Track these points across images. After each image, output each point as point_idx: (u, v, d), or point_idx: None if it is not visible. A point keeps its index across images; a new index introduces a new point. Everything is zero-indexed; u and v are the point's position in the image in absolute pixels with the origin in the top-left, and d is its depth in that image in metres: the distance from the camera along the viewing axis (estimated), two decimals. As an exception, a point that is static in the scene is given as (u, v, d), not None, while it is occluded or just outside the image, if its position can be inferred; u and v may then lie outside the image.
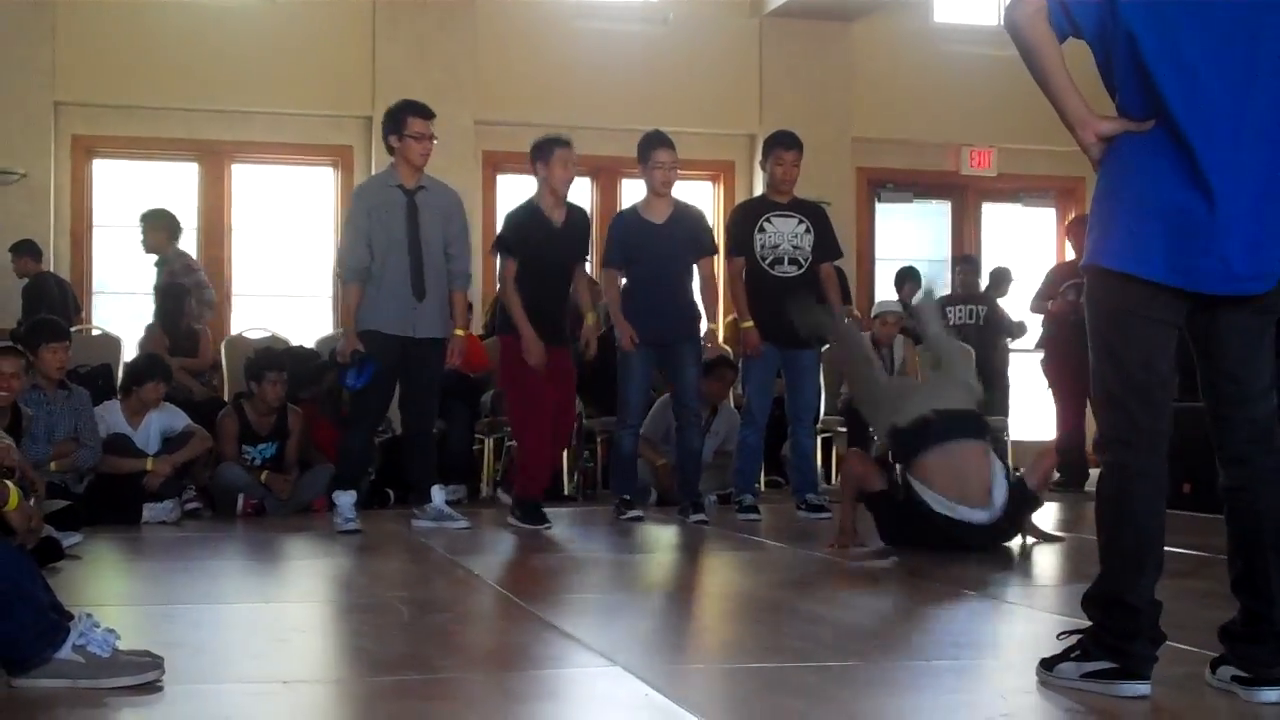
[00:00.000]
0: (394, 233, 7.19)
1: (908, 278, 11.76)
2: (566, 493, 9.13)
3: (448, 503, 7.62)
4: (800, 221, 7.98)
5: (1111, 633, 3.24)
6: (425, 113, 7.30)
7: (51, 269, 10.98)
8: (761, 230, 7.92)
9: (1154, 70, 3.13)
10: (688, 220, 7.85)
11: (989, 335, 11.21)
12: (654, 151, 7.74)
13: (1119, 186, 3.22)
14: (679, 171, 7.91)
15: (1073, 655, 3.30)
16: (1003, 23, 3.24)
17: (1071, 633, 3.38)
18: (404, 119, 7.25)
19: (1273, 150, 3.13)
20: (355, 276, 7.24)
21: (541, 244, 7.32)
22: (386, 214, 7.20)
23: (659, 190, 7.77)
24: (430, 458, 7.55)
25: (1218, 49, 3.12)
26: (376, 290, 7.19)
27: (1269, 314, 3.24)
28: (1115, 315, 3.23)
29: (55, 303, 9.85)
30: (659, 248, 7.65)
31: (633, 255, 7.72)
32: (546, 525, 7.20)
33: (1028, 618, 4.72)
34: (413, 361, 7.25)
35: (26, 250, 10.44)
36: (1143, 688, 3.21)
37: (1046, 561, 6.30)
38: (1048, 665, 3.35)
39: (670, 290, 7.71)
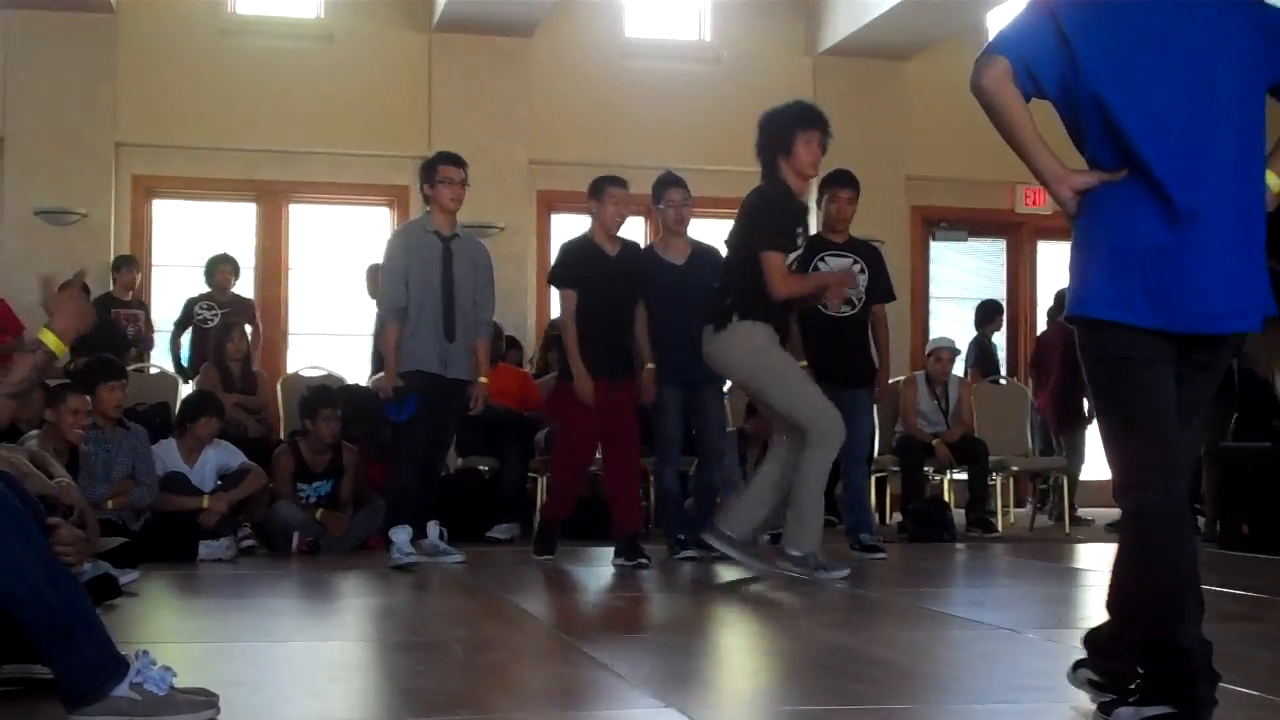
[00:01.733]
0: (430, 277, 7.40)
1: (995, 312, 11.79)
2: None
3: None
4: (855, 261, 7.97)
5: (1169, 678, 3.18)
6: (456, 160, 7.55)
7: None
8: (816, 269, 7.91)
9: (1122, 123, 3.20)
10: (709, 261, 7.85)
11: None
12: (666, 190, 7.83)
13: (1097, 237, 3.28)
14: (693, 209, 8.03)
15: (1131, 700, 3.24)
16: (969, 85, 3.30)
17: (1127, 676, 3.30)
18: (435, 166, 7.52)
19: (1241, 190, 3.22)
20: (394, 316, 7.43)
21: (597, 276, 7.41)
22: (423, 258, 7.38)
23: (674, 229, 7.82)
24: (434, 494, 7.72)
25: (1180, 98, 3.20)
26: (412, 331, 7.38)
27: (1229, 353, 3.34)
28: (1108, 362, 3.27)
29: (104, 342, 9.96)
30: (681, 291, 7.62)
31: (654, 295, 7.70)
32: (548, 557, 7.37)
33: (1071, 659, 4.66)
34: (438, 401, 7.40)
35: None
36: None
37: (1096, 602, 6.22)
38: (1106, 710, 3.30)
39: (694, 332, 7.70)
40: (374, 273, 10.91)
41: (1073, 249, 3.35)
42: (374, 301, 10.66)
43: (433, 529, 7.58)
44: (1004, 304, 12.87)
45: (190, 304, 10.70)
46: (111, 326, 10.59)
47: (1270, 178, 3.32)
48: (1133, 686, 3.27)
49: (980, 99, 3.28)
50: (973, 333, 12.09)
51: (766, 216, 6.74)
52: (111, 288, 10.80)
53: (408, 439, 7.43)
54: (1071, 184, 3.29)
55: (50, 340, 3.39)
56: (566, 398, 7.46)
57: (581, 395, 7.30)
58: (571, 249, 7.63)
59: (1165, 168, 3.16)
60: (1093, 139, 3.29)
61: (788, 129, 6.84)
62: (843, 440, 6.71)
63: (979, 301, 12.47)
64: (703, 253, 7.91)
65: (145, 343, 10.73)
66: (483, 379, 7.68)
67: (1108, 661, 3.30)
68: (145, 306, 10.87)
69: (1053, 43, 3.27)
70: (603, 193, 7.50)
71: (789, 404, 6.64)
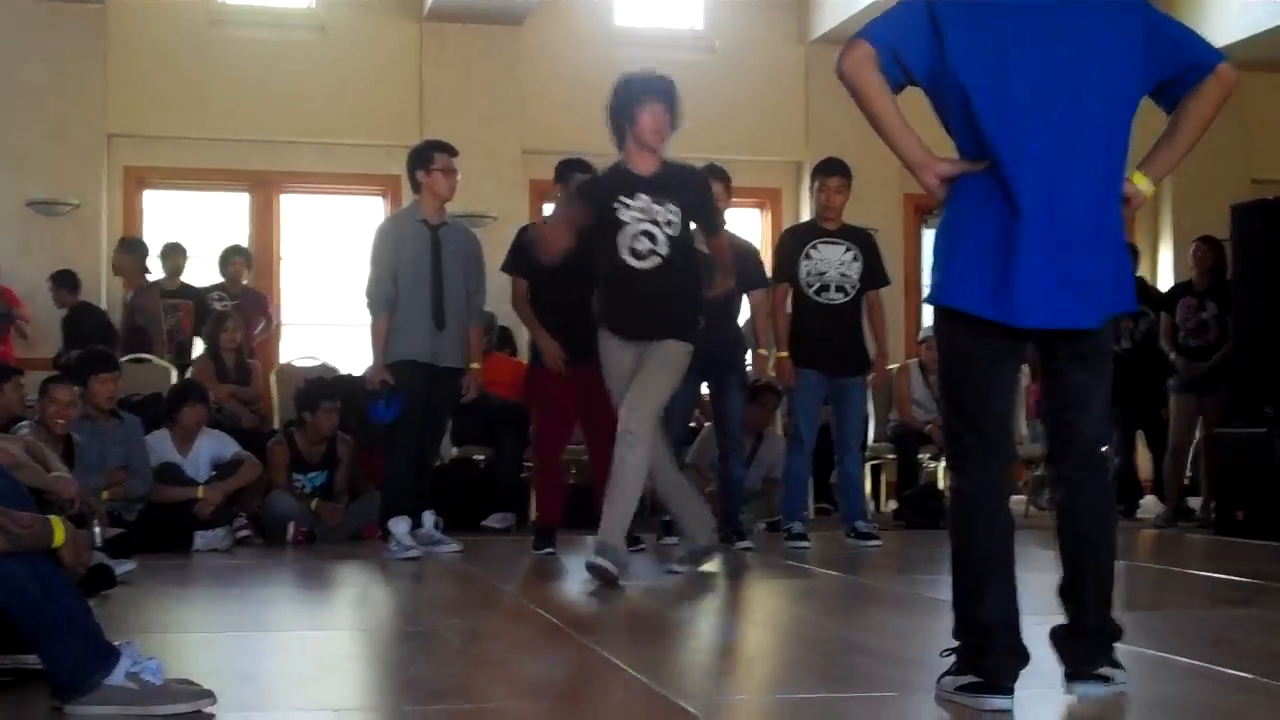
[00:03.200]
0: (418, 265, 7.40)
1: None
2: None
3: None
4: (848, 249, 7.96)
5: (968, 648, 3.36)
6: (451, 150, 7.55)
7: (104, 299, 11.10)
8: (808, 257, 7.91)
9: (980, 115, 3.26)
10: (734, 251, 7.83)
11: None
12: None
13: (953, 226, 3.36)
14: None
15: (951, 669, 3.40)
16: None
17: (952, 650, 3.43)
18: (431, 154, 7.51)
19: (1094, 190, 3.26)
20: (382, 307, 7.41)
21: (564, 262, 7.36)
22: (411, 247, 7.39)
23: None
24: (428, 482, 7.73)
25: (1041, 96, 3.24)
26: (401, 320, 7.38)
27: (1103, 344, 3.42)
28: (956, 354, 3.39)
29: (93, 334, 9.98)
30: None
31: None
32: (549, 551, 7.32)
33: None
34: (429, 389, 7.37)
35: (64, 282, 10.56)
36: (1003, 701, 3.28)
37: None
38: (940, 678, 3.44)
39: (715, 320, 7.69)
40: None
41: (935, 236, 3.42)
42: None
43: (428, 518, 7.58)
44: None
45: (202, 293, 10.67)
46: (99, 316, 10.58)
47: (1141, 181, 3.36)
48: (949, 655, 3.43)
49: (843, 82, 3.32)
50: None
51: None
52: (161, 275, 10.81)
53: (399, 431, 7.42)
54: (936, 171, 3.36)
55: (58, 534, 3.39)
56: (538, 383, 7.46)
57: (551, 362, 7.28)
58: (523, 238, 7.59)
59: (1015, 164, 3.22)
60: (957, 130, 3.36)
61: (632, 98, 6.46)
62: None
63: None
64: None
65: (183, 335, 10.56)
66: (475, 365, 7.67)
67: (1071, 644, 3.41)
68: (196, 294, 10.68)
69: (924, 31, 3.30)
70: (569, 178, 7.39)
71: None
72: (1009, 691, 3.28)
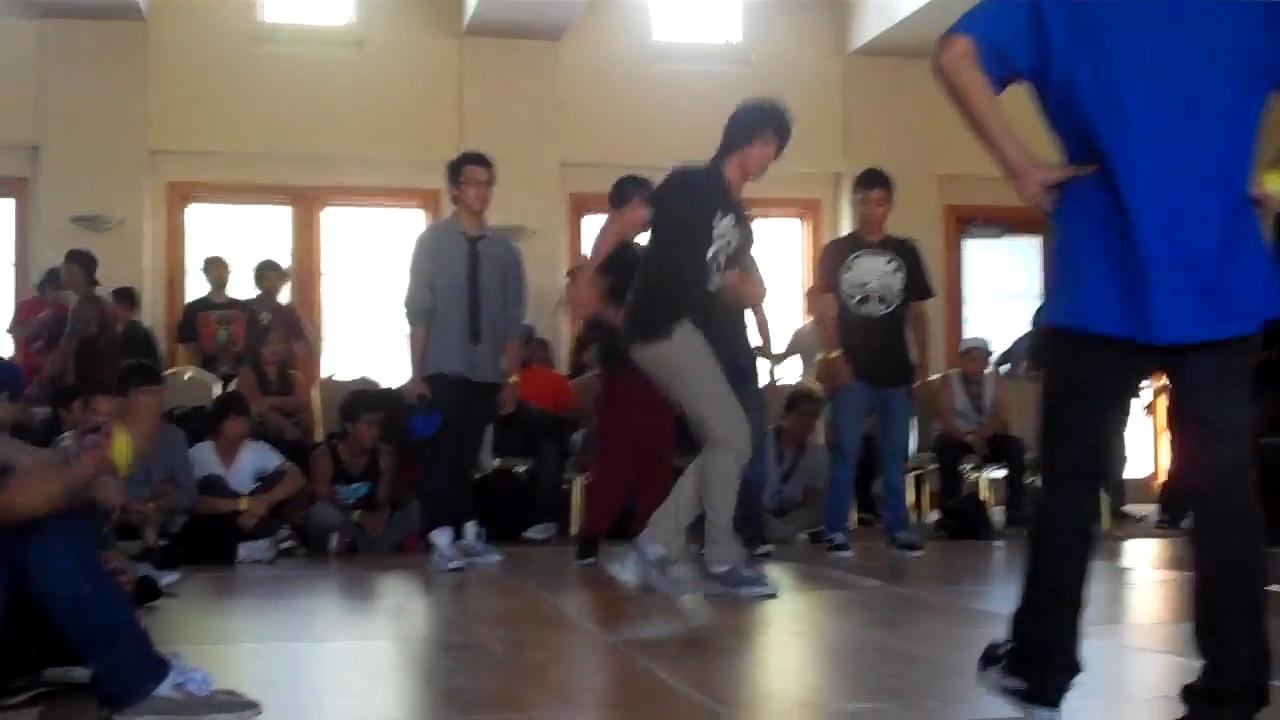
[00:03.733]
0: (455, 278, 7.41)
1: None
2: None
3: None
4: (890, 260, 7.94)
5: (1024, 659, 3.23)
6: (481, 160, 7.58)
7: (147, 314, 11.19)
8: (849, 268, 7.91)
9: (1091, 116, 3.03)
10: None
11: None
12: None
13: (1067, 239, 3.12)
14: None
15: (1000, 664, 3.29)
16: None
17: (1002, 645, 3.32)
18: (461, 167, 7.56)
19: (1224, 195, 3.00)
20: (420, 319, 7.42)
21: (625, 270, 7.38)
22: (449, 259, 7.40)
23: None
24: (470, 495, 7.75)
25: (1157, 104, 3.00)
26: (438, 333, 7.38)
27: (1243, 356, 3.07)
28: (1065, 377, 3.16)
29: (147, 350, 10.11)
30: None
31: None
32: (590, 561, 7.31)
33: (1132, 656, 4.64)
34: (469, 403, 7.39)
35: (124, 297, 10.66)
36: (1049, 714, 3.19)
37: (1145, 598, 6.20)
38: (982, 664, 3.34)
39: (730, 333, 7.71)
40: None
41: (1053, 250, 3.22)
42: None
43: (470, 529, 7.59)
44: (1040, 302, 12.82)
45: (251, 305, 10.73)
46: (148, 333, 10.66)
47: (1273, 181, 3.07)
48: (1004, 651, 3.29)
49: (940, 81, 3.10)
50: (1010, 330, 12.05)
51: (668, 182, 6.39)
52: (206, 291, 10.88)
53: (436, 443, 7.43)
54: (1037, 179, 3.11)
55: (121, 448, 3.42)
56: (614, 393, 7.35)
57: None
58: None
59: (1127, 166, 2.99)
60: (1063, 130, 3.13)
61: (757, 126, 6.49)
62: (745, 448, 6.04)
63: (1037, 302, 12.39)
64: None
65: (239, 348, 10.51)
66: (513, 379, 7.68)
67: (1210, 709, 3.05)
68: (246, 305, 10.68)
69: (1027, 22, 3.07)
70: (628, 199, 7.42)
71: (694, 404, 6.06)
72: (1055, 705, 3.20)
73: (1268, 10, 3.05)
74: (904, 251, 8.06)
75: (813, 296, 8.39)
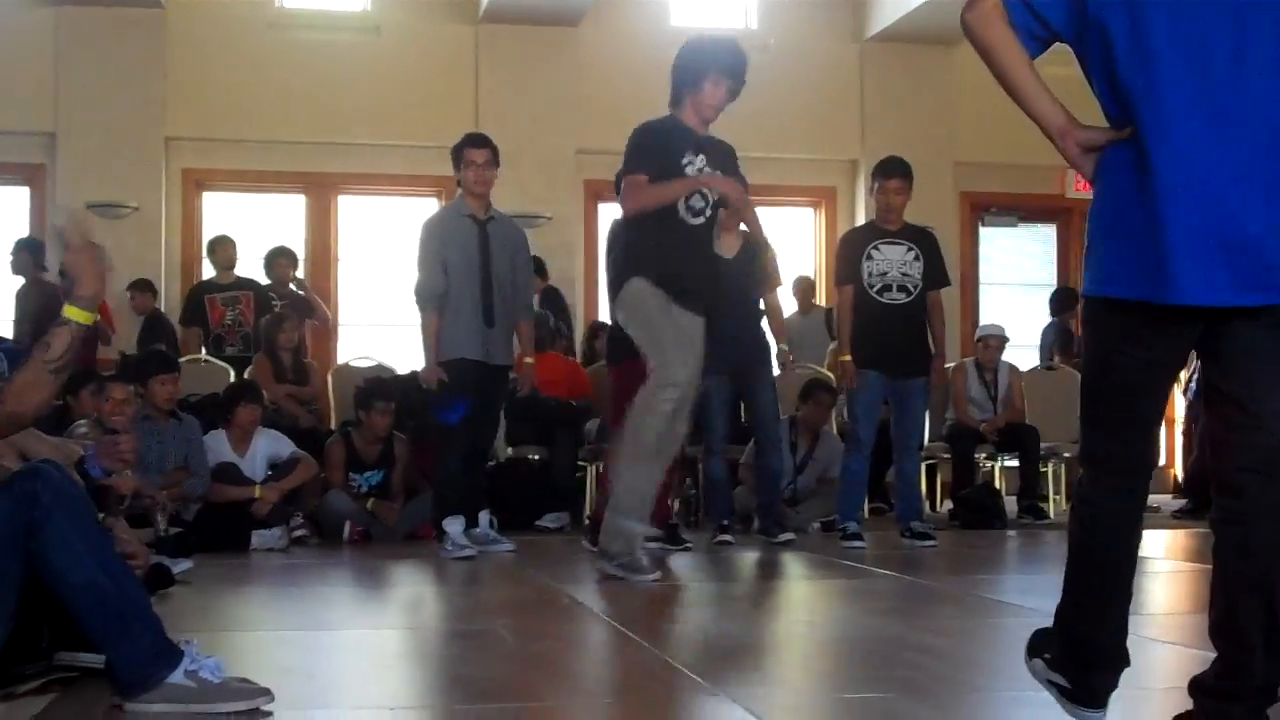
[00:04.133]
0: (468, 261, 7.40)
1: (1074, 298, 11.77)
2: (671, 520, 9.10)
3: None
4: (910, 249, 7.91)
5: (1067, 658, 3.10)
6: (479, 141, 7.60)
7: (162, 301, 11.22)
8: (869, 258, 7.89)
9: (1122, 72, 2.82)
10: (754, 253, 7.97)
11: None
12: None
13: (1101, 206, 2.91)
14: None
15: (1046, 656, 3.15)
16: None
17: (1048, 634, 3.18)
18: (462, 151, 7.55)
19: (1269, 153, 2.76)
20: (433, 304, 7.42)
21: None
22: (459, 243, 7.39)
23: (726, 226, 7.79)
24: (481, 480, 7.72)
25: (1195, 60, 2.77)
26: (451, 318, 7.37)
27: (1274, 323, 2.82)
28: (1102, 350, 2.95)
29: (170, 339, 10.18)
30: (731, 281, 7.64)
31: None
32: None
33: (1143, 647, 4.63)
34: (484, 386, 7.37)
35: (145, 287, 10.72)
36: (1096, 715, 3.08)
37: (1160, 589, 6.19)
38: (1031, 651, 3.19)
39: (742, 321, 7.72)
40: None
41: (1089, 218, 2.98)
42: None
43: (483, 518, 7.59)
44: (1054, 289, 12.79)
45: (260, 285, 10.76)
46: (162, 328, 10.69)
47: None
48: (1048, 641, 3.16)
49: (968, 36, 2.93)
50: (1028, 318, 12.03)
51: (630, 144, 6.36)
52: (213, 273, 10.92)
53: (451, 430, 7.44)
54: (1077, 139, 2.91)
55: (76, 314, 3.39)
56: (621, 383, 7.38)
57: None
58: None
59: (1156, 127, 2.77)
60: (1101, 91, 2.90)
61: (702, 67, 6.44)
62: (685, 383, 6.00)
63: (1053, 290, 12.36)
64: (751, 245, 7.95)
65: (246, 329, 10.54)
66: (529, 360, 7.67)
67: (1221, 703, 2.93)
68: (252, 284, 10.71)
69: None
70: None
71: (645, 349, 6.11)
72: (1103, 706, 3.07)
73: None
74: (923, 240, 8.04)
75: (805, 288, 8.39)
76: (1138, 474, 3.00)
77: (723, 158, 6.45)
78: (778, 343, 8.35)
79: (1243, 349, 2.81)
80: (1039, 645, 3.19)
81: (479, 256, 7.40)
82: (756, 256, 7.99)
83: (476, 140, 7.60)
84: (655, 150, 6.28)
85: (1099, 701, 3.08)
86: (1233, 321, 2.78)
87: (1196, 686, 2.98)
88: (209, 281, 10.89)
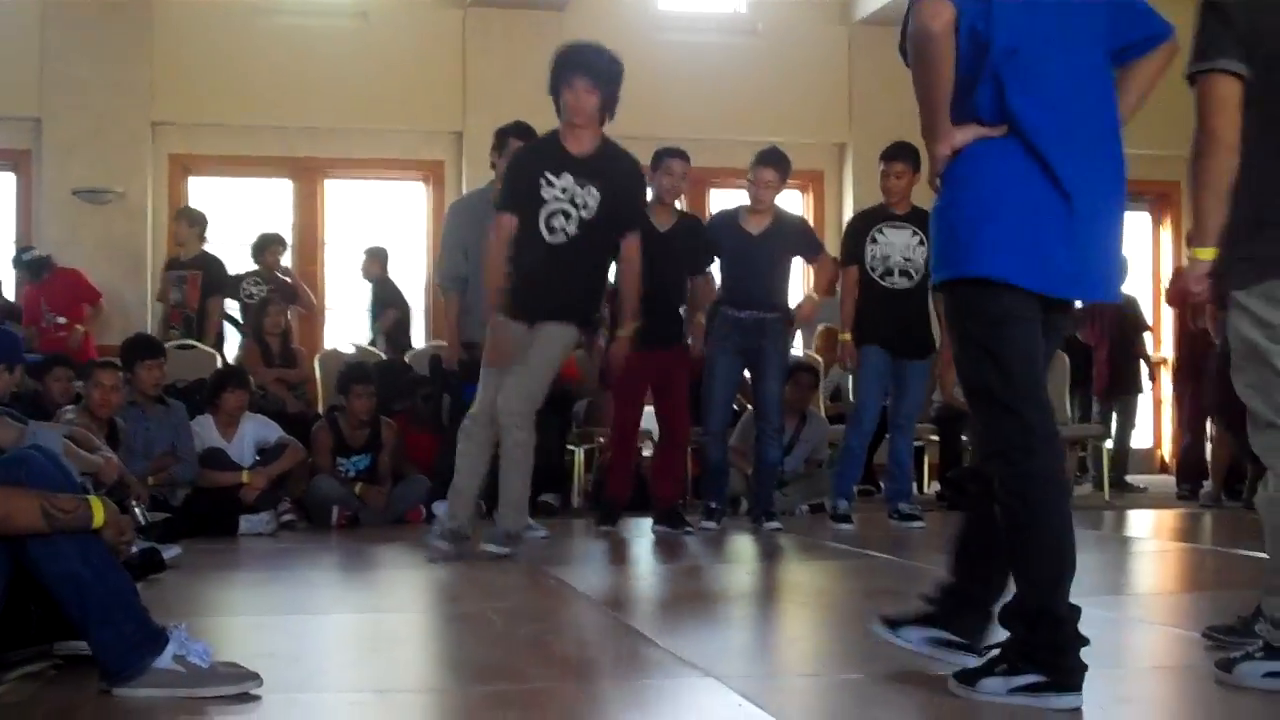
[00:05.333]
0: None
1: None
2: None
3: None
4: (915, 233, 7.88)
5: (1041, 646, 3.18)
6: (527, 134, 7.46)
7: (148, 286, 11.20)
8: (873, 241, 7.89)
9: (1014, 82, 3.21)
10: (788, 230, 7.94)
11: None
12: (756, 169, 7.79)
13: (979, 197, 3.25)
14: (732, 181, 8.03)
15: (998, 670, 3.23)
16: (911, 27, 3.27)
17: (993, 647, 3.31)
18: (507, 139, 7.45)
19: (1108, 162, 3.28)
20: (454, 285, 7.47)
21: (647, 248, 7.38)
22: (484, 226, 7.32)
23: (755, 205, 7.81)
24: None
25: (1055, 70, 3.24)
26: (473, 300, 7.35)
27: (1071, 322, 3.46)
28: (993, 320, 3.23)
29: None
30: (753, 260, 7.67)
31: (726, 262, 7.76)
32: (608, 528, 7.39)
33: (1125, 628, 4.65)
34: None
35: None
36: (1075, 699, 3.15)
37: (1145, 570, 6.21)
38: (968, 680, 3.28)
39: (760, 298, 7.71)
40: (373, 256, 11.10)
41: (948, 209, 3.33)
42: (368, 284, 11.00)
43: None
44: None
45: (238, 279, 10.74)
46: None
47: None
48: (996, 655, 3.27)
49: (920, 44, 3.24)
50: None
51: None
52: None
53: (460, 413, 7.43)
54: (951, 142, 3.28)
55: (97, 509, 3.39)
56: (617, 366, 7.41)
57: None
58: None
59: (1048, 133, 3.19)
60: (984, 94, 3.25)
61: (554, 78, 6.40)
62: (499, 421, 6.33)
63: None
64: (782, 221, 7.93)
65: (189, 310, 10.35)
66: None
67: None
68: (207, 264, 10.46)
69: None
70: (659, 164, 7.52)
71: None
72: (1080, 689, 3.15)
73: None
74: (929, 225, 8.01)
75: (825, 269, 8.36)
76: (1058, 437, 3.31)
77: (606, 175, 6.39)
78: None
79: (1053, 336, 3.34)
80: (982, 669, 3.27)
81: None
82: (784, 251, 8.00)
83: (528, 131, 7.47)
84: (514, 181, 6.36)
85: (1076, 682, 3.15)
86: (1054, 311, 3.30)
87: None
88: (174, 258, 10.65)
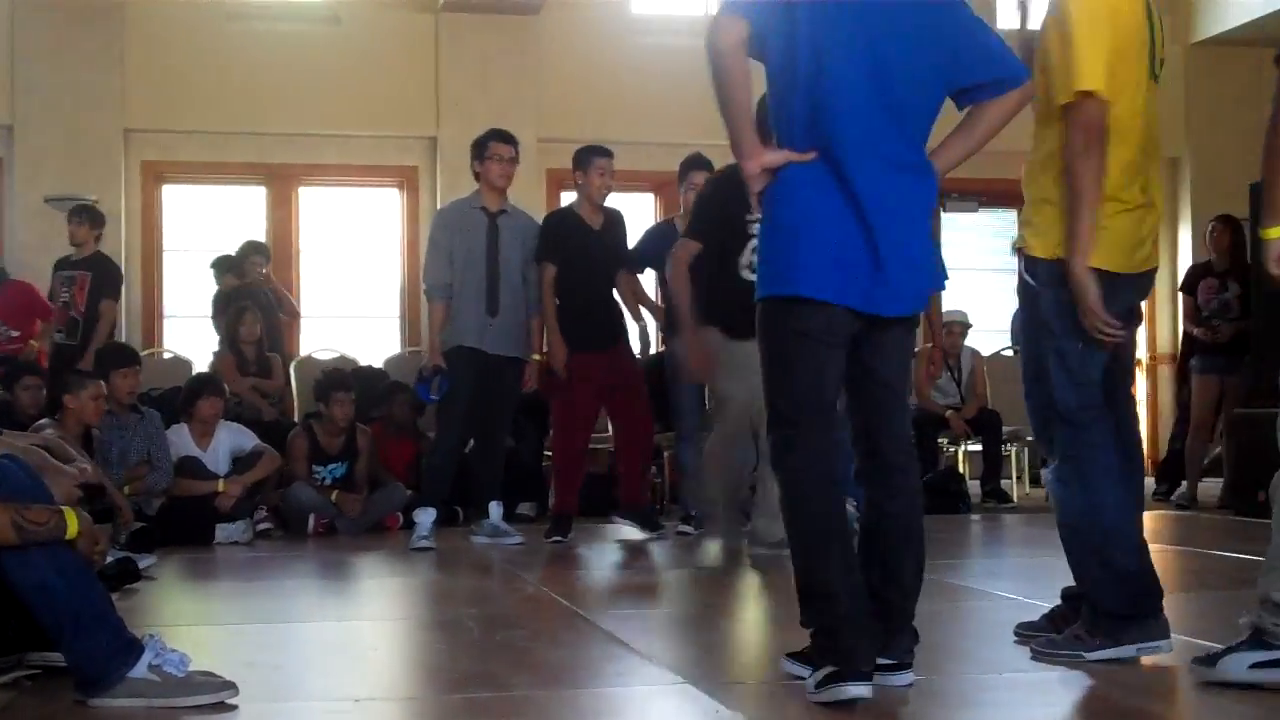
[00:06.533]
0: (473, 251, 7.39)
1: None
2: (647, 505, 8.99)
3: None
4: None
5: (821, 631, 3.31)
6: (505, 138, 7.55)
7: (124, 295, 11.13)
8: None
9: (820, 108, 3.32)
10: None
11: None
12: (691, 173, 7.79)
13: (790, 218, 3.34)
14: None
15: (811, 667, 3.33)
16: (705, 44, 3.36)
17: (803, 651, 3.43)
18: (486, 143, 7.51)
19: (910, 178, 3.38)
20: (438, 293, 7.44)
21: (579, 248, 7.39)
22: (468, 233, 7.40)
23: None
24: (493, 474, 7.64)
25: (869, 91, 3.32)
26: (456, 307, 7.39)
27: (913, 327, 3.57)
28: (792, 338, 3.35)
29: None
30: None
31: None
32: (559, 540, 7.34)
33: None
34: (483, 377, 7.32)
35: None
36: (861, 688, 3.20)
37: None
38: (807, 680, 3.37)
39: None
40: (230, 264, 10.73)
41: (766, 230, 3.42)
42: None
43: (494, 509, 7.52)
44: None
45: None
46: None
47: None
48: (804, 650, 3.42)
49: (714, 60, 3.31)
50: (989, 303, 12.07)
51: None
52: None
53: (442, 421, 7.46)
54: (762, 161, 3.36)
55: (71, 520, 3.38)
56: (559, 377, 7.42)
57: (555, 363, 7.32)
58: (551, 223, 7.64)
59: (846, 155, 3.29)
60: (800, 118, 3.35)
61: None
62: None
63: (1013, 275, 12.41)
64: None
65: (76, 311, 9.69)
66: (536, 357, 7.61)
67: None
68: (99, 264, 9.84)
69: (781, 14, 3.33)
70: (589, 163, 7.48)
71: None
72: (867, 676, 3.21)
73: (955, 19, 3.44)
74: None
75: None
76: (830, 433, 3.45)
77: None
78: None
79: (895, 346, 3.49)
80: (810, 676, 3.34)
81: (486, 248, 7.39)
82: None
83: (504, 136, 7.53)
84: (707, 210, 6.51)
85: (860, 668, 3.23)
86: (886, 324, 3.41)
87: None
88: (67, 256, 10.03)
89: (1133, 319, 3.88)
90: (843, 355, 3.38)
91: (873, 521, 3.49)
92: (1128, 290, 3.79)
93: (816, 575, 3.31)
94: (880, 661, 3.33)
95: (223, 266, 10.56)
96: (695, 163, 7.82)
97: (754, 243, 6.03)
